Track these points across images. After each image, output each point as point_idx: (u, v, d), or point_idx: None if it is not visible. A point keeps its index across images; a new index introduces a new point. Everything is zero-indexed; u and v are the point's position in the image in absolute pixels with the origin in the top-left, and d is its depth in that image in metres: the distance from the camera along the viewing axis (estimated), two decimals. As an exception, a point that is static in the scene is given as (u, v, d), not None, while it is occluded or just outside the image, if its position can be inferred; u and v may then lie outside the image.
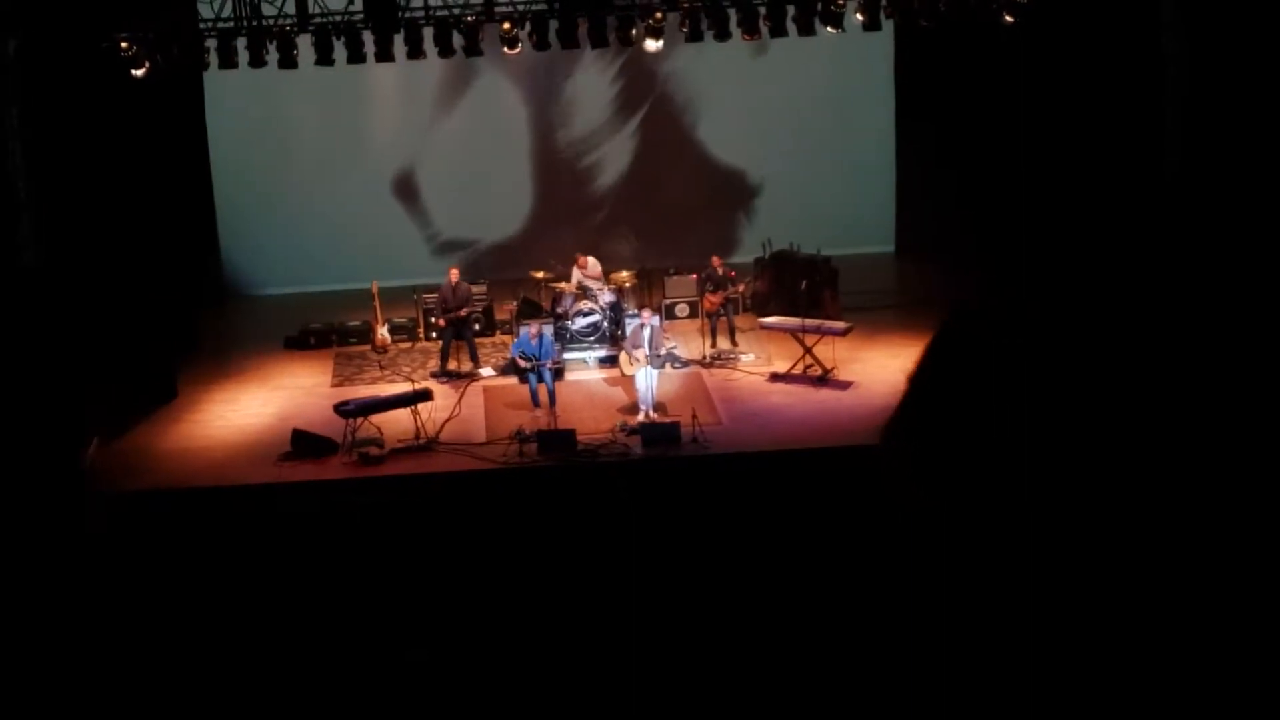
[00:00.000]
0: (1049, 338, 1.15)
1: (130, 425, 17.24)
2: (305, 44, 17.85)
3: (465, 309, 19.06)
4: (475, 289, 19.80)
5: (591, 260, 19.99)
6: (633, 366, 17.30)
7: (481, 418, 17.34)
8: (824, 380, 17.89)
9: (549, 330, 18.21)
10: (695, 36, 18.43)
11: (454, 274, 19.32)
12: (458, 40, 17.89)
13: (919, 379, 1.22)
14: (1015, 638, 1.15)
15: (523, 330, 17.80)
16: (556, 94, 22.57)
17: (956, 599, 1.19)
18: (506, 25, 17.97)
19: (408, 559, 14.65)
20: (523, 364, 17.30)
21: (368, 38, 17.79)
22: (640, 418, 16.91)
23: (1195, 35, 17.21)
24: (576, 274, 19.93)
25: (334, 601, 14.15)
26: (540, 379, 17.27)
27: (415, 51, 17.89)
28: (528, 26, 18.06)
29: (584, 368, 18.77)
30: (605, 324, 18.98)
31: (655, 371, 17.23)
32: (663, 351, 17.76)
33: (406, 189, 22.67)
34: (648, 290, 20.34)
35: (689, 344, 19.28)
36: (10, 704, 11.91)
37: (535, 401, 17.30)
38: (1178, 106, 17.66)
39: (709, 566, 13.99)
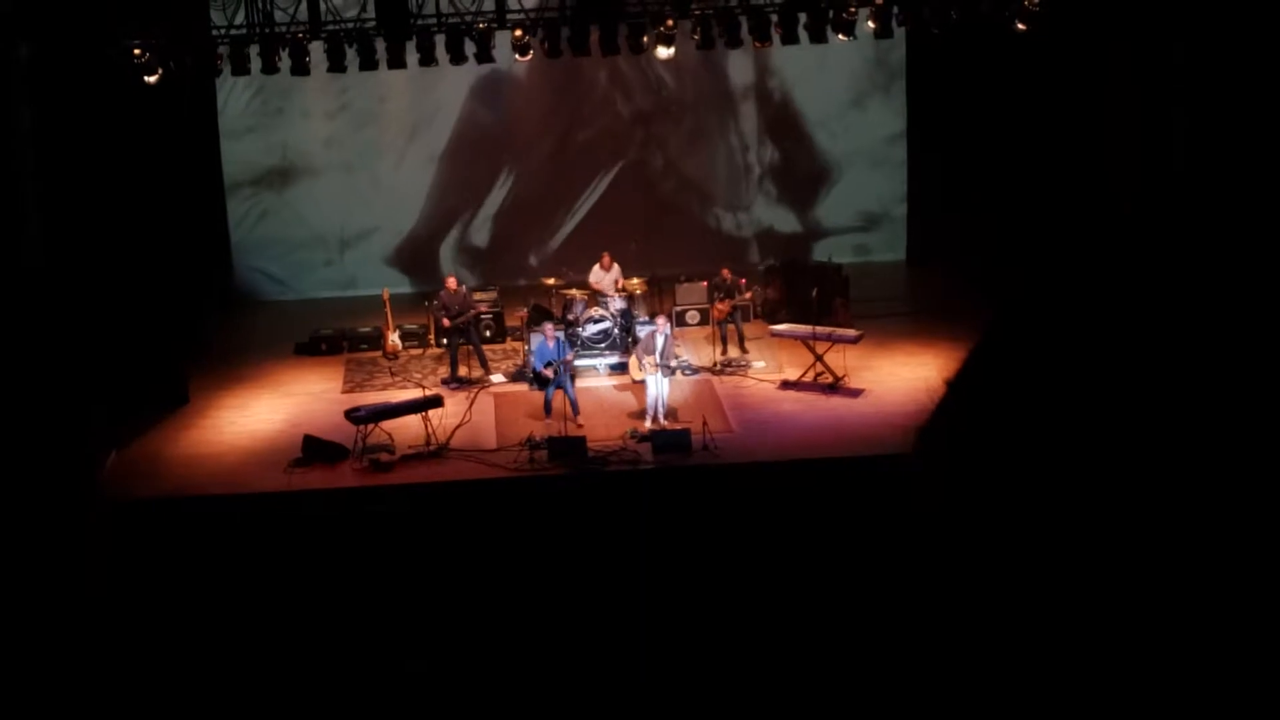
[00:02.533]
0: (1107, 342, 1.13)
1: (141, 431, 17.25)
2: (317, 50, 17.91)
3: (470, 313, 19.07)
4: (485, 295, 19.79)
5: (616, 266, 19.97)
6: (642, 372, 17.26)
7: (492, 424, 17.33)
8: (835, 388, 17.86)
9: (559, 334, 18.07)
10: (707, 44, 18.45)
11: (451, 282, 19.31)
12: (469, 47, 17.91)
13: (961, 382, 1.20)
14: (1038, 650, 1.13)
15: (538, 339, 17.61)
16: (568, 98, 22.56)
17: (975, 610, 1.17)
18: (518, 32, 17.99)
19: (418, 565, 14.64)
20: (548, 373, 17.05)
21: (380, 45, 17.82)
22: (649, 424, 16.89)
23: (1205, 44, 17.17)
24: (598, 271, 19.90)
25: (344, 607, 14.14)
26: (559, 385, 17.12)
27: (427, 59, 17.91)
28: (540, 33, 18.09)
29: (595, 375, 18.74)
30: (616, 331, 18.95)
31: (666, 379, 17.20)
32: (674, 363, 17.74)
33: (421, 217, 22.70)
34: (658, 297, 20.33)
35: (699, 351, 19.25)
36: (23, 708, 11.92)
37: (548, 411, 17.10)
38: (1186, 115, 17.63)
39: (720, 574, 13.97)
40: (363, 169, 22.33)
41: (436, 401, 17.11)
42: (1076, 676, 1.13)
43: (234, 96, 21.75)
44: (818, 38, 18.22)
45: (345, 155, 22.17)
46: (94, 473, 16.04)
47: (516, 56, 18.41)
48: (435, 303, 19.42)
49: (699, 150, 22.75)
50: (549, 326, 17.53)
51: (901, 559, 1.28)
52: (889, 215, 22.87)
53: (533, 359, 17.45)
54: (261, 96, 21.84)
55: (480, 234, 22.71)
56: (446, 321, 18.92)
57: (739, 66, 22.47)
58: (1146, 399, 1.11)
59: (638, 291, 20.02)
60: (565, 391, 17.04)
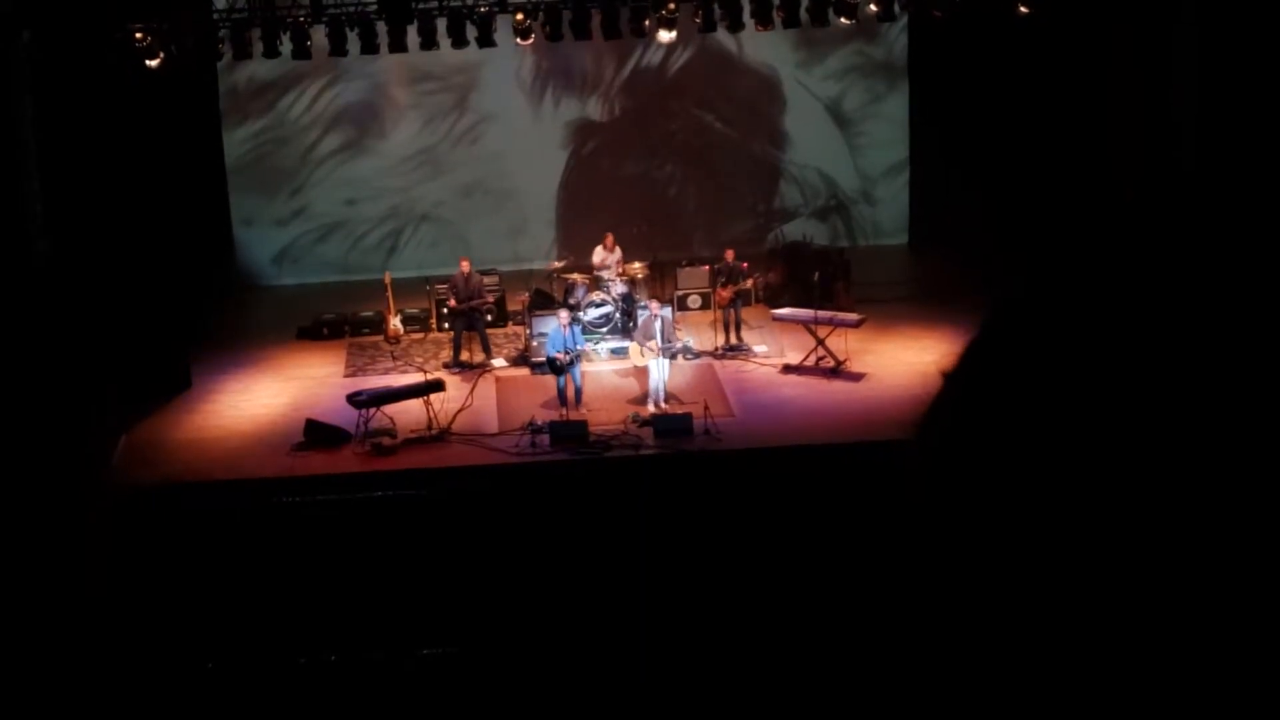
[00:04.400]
0: (1107, 337, 1.13)
1: (144, 415, 17.26)
2: (319, 34, 17.92)
3: (477, 300, 19.03)
4: (487, 279, 19.78)
5: (619, 248, 19.93)
6: (644, 358, 17.22)
7: (494, 408, 17.34)
8: (836, 372, 17.87)
9: (575, 323, 17.83)
10: (709, 27, 18.43)
11: (465, 265, 19.27)
12: (471, 31, 17.90)
13: (959, 373, 1.21)
14: (1030, 642, 1.14)
15: (553, 326, 17.49)
16: (571, 80, 22.55)
17: (968, 600, 1.18)
18: (520, 16, 17.98)
19: (420, 549, 14.67)
20: (562, 360, 16.86)
21: (381, 28, 17.81)
22: (651, 409, 16.88)
23: (1208, 27, 17.14)
24: (600, 252, 19.84)
25: (345, 592, 14.17)
26: (569, 372, 16.91)
27: (429, 43, 17.92)
28: (541, 17, 18.07)
29: (596, 359, 18.71)
30: (617, 315, 18.93)
31: (667, 363, 17.19)
32: (677, 345, 17.72)
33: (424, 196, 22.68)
34: (660, 281, 20.31)
35: (700, 335, 19.24)
36: (23, 698, 11.95)
37: (562, 401, 16.92)
38: (1190, 97, 17.61)
39: (721, 559, 13.99)
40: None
41: (438, 386, 17.12)
42: (1070, 669, 1.14)
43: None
44: (819, 21, 18.18)
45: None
46: (104, 457, 16.05)
47: (518, 41, 18.39)
48: (446, 285, 19.39)
49: (708, 144, 22.71)
50: (564, 314, 17.41)
51: (899, 546, 1.29)
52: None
53: (546, 346, 17.24)
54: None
55: (488, 220, 22.68)
56: (454, 303, 18.90)
57: (745, 71, 22.47)
58: (1148, 391, 1.11)
59: (639, 276, 19.98)
60: (572, 378, 16.98)
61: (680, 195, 22.77)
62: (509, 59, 21.53)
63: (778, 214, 22.99)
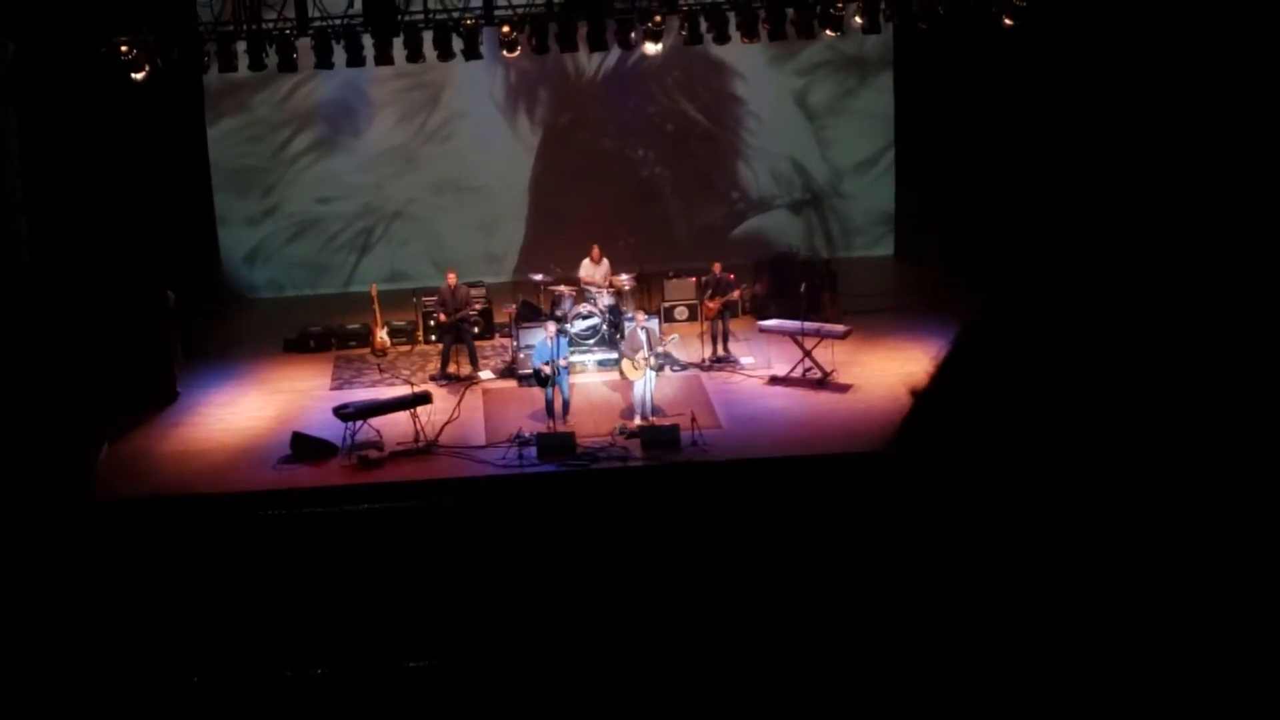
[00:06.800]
0: (1088, 341, 1.13)
1: (130, 428, 17.21)
2: (305, 47, 17.90)
3: (464, 311, 19.01)
4: (474, 292, 19.77)
5: (605, 260, 19.90)
6: (636, 371, 17.11)
7: (481, 421, 17.32)
8: (823, 383, 17.87)
9: (560, 334, 17.83)
10: (695, 40, 18.45)
11: (452, 277, 19.27)
12: (457, 44, 17.92)
13: (936, 384, 1.20)
14: (1014, 646, 1.14)
15: (540, 338, 17.44)
16: (555, 93, 22.56)
17: (955, 608, 1.18)
18: (506, 28, 18.00)
19: (406, 562, 14.64)
20: (547, 371, 16.78)
21: (367, 41, 17.82)
22: (637, 421, 16.85)
23: (1186, 36, 17.22)
24: (588, 265, 19.82)
25: (333, 606, 14.14)
26: (555, 384, 16.85)
27: (415, 55, 17.93)
28: (527, 30, 18.09)
29: (583, 371, 18.69)
30: (604, 327, 18.91)
31: (653, 375, 17.16)
32: (663, 347, 17.70)
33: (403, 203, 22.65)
34: (647, 293, 20.31)
35: (688, 347, 19.22)
36: (12, 708, 11.90)
37: (550, 413, 16.85)
38: (1167, 103, 17.69)
39: (708, 570, 13.98)
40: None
41: (425, 398, 17.09)
42: (1055, 674, 1.14)
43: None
44: (805, 33, 18.22)
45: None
46: (89, 468, 16.01)
47: (504, 53, 18.40)
48: (433, 298, 19.39)
49: (693, 153, 22.73)
50: (551, 326, 17.41)
51: (884, 555, 1.29)
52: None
53: (533, 358, 17.24)
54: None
55: (460, 216, 22.64)
56: (444, 317, 18.90)
57: (719, 62, 22.48)
58: (1129, 394, 1.12)
59: (625, 288, 19.95)
60: (560, 390, 16.95)
61: (654, 181, 22.73)
62: (484, 57, 21.52)
63: (754, 203, 22.98)
